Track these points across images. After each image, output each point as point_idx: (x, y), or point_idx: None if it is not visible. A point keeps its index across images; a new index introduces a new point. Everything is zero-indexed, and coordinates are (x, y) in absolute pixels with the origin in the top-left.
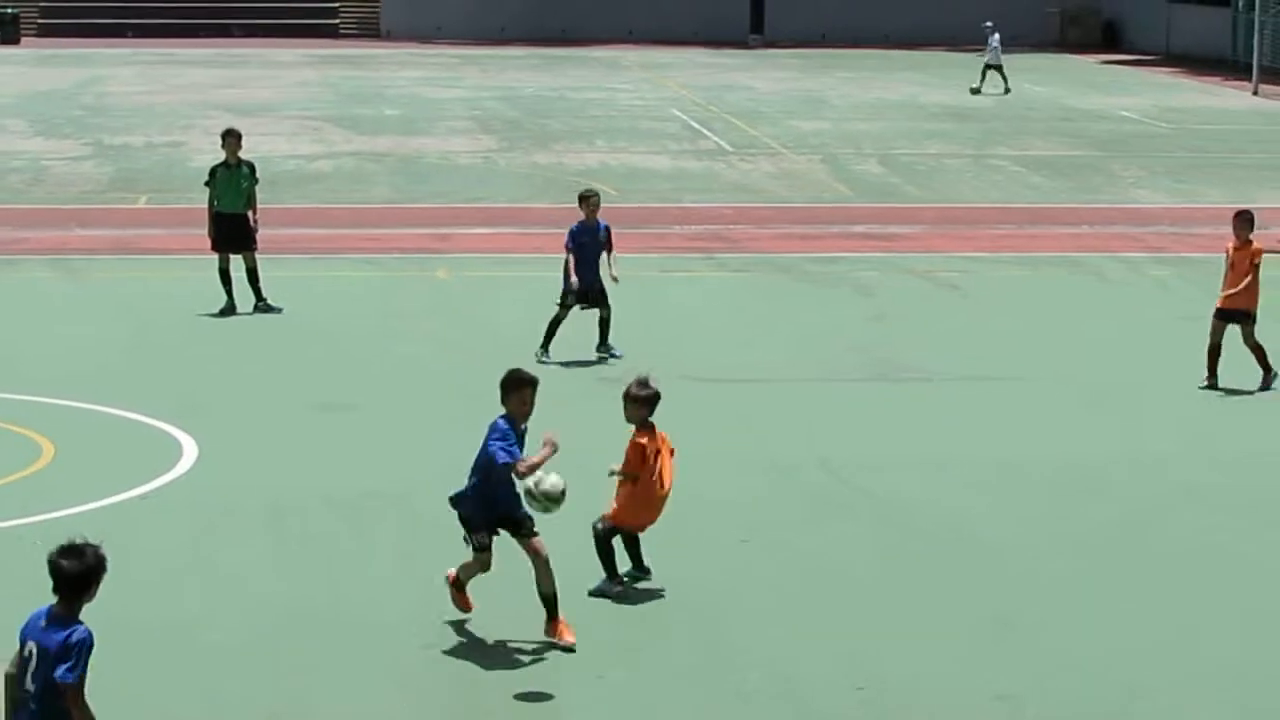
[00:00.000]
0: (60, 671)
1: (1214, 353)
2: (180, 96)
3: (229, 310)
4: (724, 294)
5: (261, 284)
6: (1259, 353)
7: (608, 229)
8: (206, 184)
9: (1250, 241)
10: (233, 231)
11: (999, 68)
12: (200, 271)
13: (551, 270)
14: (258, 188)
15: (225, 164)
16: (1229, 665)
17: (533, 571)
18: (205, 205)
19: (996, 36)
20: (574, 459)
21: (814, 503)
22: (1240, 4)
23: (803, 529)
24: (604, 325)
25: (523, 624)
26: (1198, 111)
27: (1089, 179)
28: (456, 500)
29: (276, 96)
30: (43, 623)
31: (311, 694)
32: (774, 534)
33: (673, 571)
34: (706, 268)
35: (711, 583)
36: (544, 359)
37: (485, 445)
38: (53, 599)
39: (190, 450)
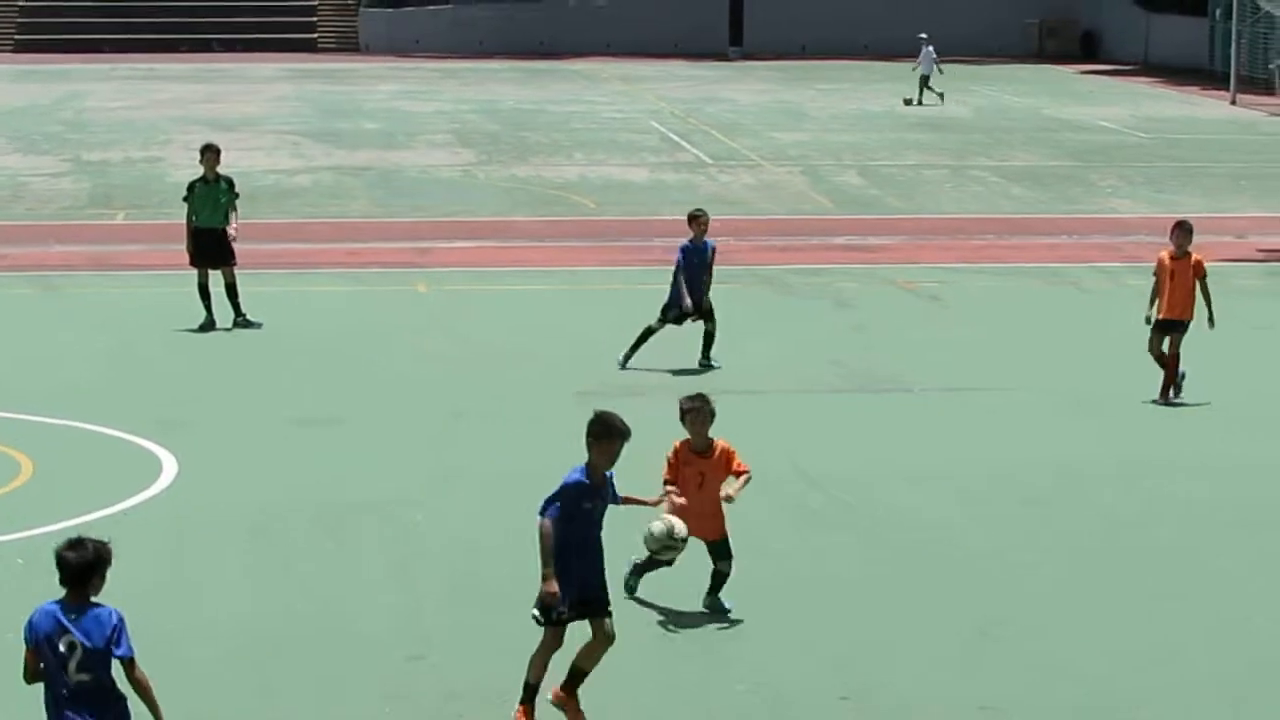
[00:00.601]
0: (121, 649)
1: (1161, 358)
2: (159, 112)
3: (208, 326)
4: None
5: (240, 299)
6: (1176, 365)
7: (714, 249)
8: (185, 199)
9: (1189, 253)
10: (211, 246)
11: (928, 79)
12: (179, 287)
13: (532, 282)
14: (237, 202)
15: (203, 179)
16: (1212, 676)
17: (588, 644)
18: (184, 220)
19: (931, 48)
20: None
21: (797, 514)
22: (1217, 14)
23: (786, 540)
24: (709, 338)
25: (508, 635)
26: (1175, 121)
27: (1067, 189)
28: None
29: (256, 111)
30: (68, 617)
31: (297, 708)
32: (758, 545)
33: (657, 582)
34: None
35: (697, 594)
36: (626, 365)
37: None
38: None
39: (170, 466)
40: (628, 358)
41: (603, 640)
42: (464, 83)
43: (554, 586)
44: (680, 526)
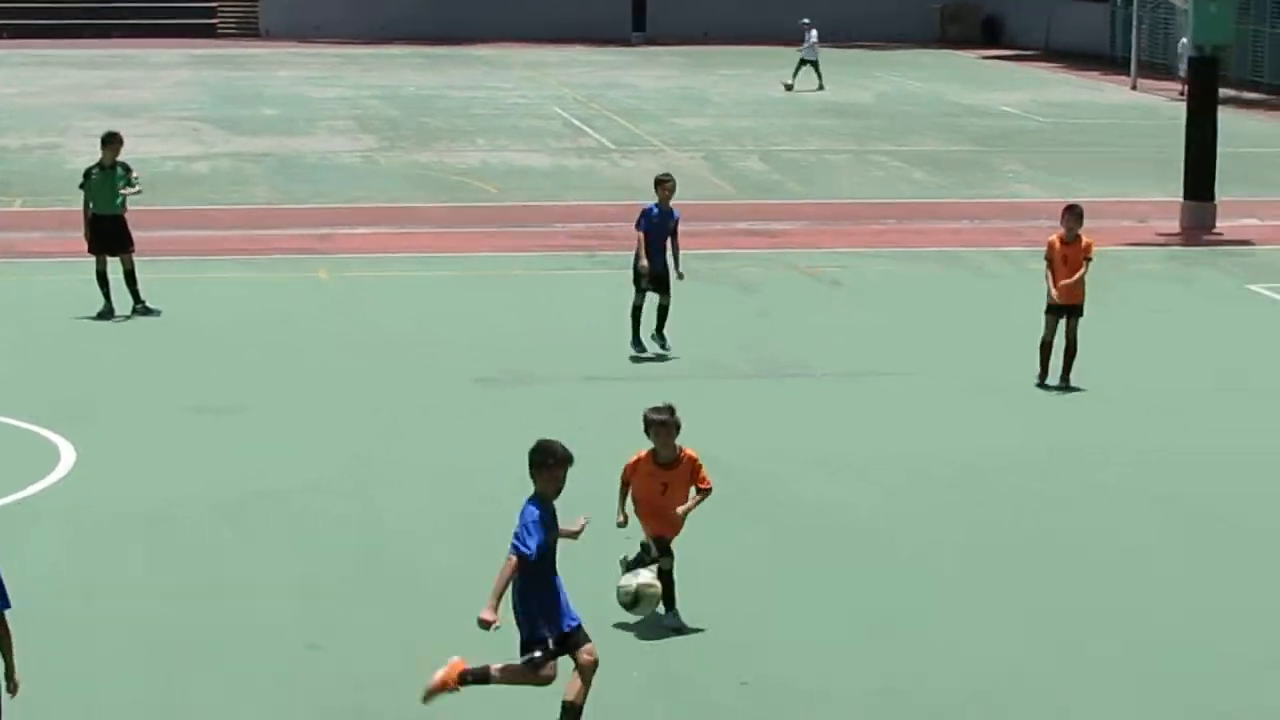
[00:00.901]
0: None
1: (1047, 350)
2: (57, 98)
3: (107, 313)
4: (607, 292)
5: (139, 286)
6: (1075, 350)
7: (678, 219)
8: (81, 186)
9: (1080, 236)
10: (109, 234)
11: (815, 63)
12: (78, 274)
13: (433, 269)
14: (137, 181)
15: (100, 165)
16: (1111, 661)
17: (576, 677)
18: (81, 208)
19: (814, 33)
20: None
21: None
22: (1119, 0)
23: (690, 524)
24: (662, 313)
25: (409, 624)
26: (1077, 106)
27: (969, 174)
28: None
29: (154, 97)
30: None
31: (195, 697)
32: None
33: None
34: (589, 266)
35: (598, 581)
36: (640, 353)
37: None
38: None
39: (68, 455)
40: (636, 343)
41: (590, 668)
42: (365, 68)
43: (491, 615)
44: (642, 582)
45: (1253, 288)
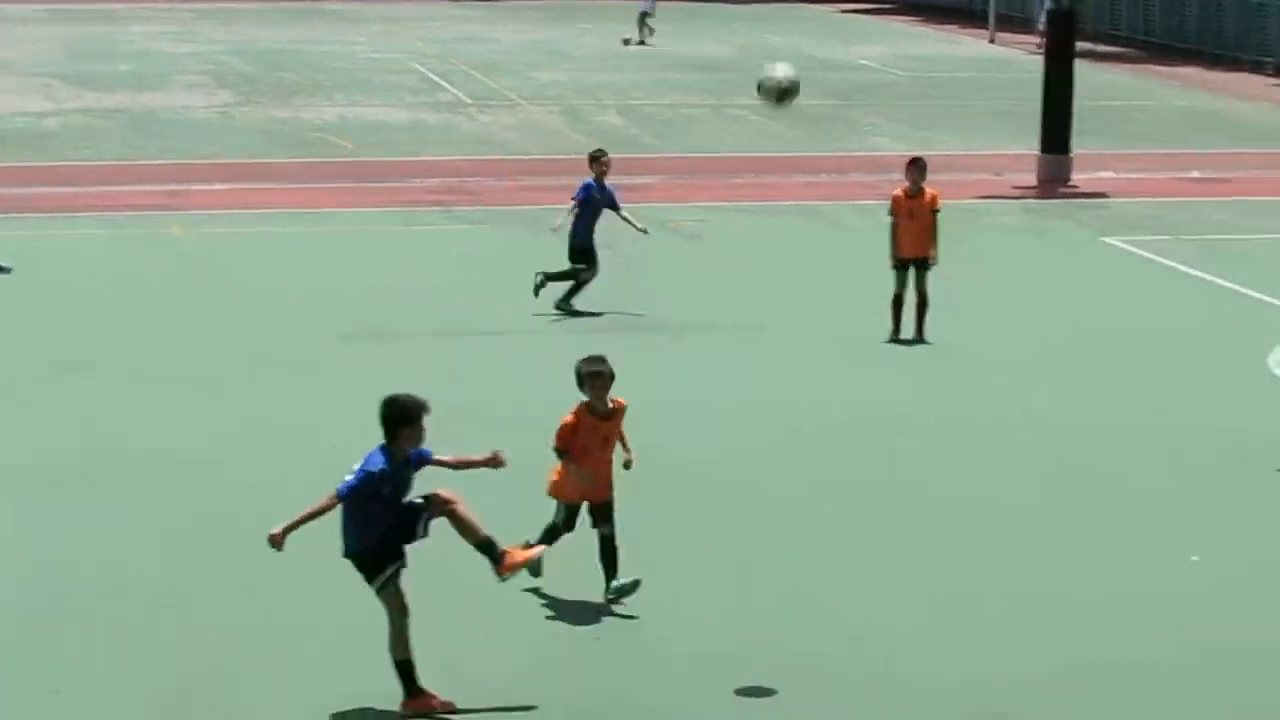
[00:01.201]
0: None
1: (899, 304)
2: None
3: None
4: (464, 247)
5: None
6: (927, 303)
7: (614, 193)
8: None
9: (924, 189)
10: None
11: (645, 16)
12: None
13: (289, 225)
14: None
15: None
16: (992, 619)
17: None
18: None
19: None
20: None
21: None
22: None
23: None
24: (569, 277)
25: (264, 583)
26: (935, 60)
27: (828, 128)
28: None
29: (8, 54)
30: None
31: (50, 658)
32: (512, 491)
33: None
34: (445, 221)
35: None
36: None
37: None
38: None
39: None
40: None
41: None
42: (221, 23)
43: (279, 533)
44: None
45: (1107, 240)
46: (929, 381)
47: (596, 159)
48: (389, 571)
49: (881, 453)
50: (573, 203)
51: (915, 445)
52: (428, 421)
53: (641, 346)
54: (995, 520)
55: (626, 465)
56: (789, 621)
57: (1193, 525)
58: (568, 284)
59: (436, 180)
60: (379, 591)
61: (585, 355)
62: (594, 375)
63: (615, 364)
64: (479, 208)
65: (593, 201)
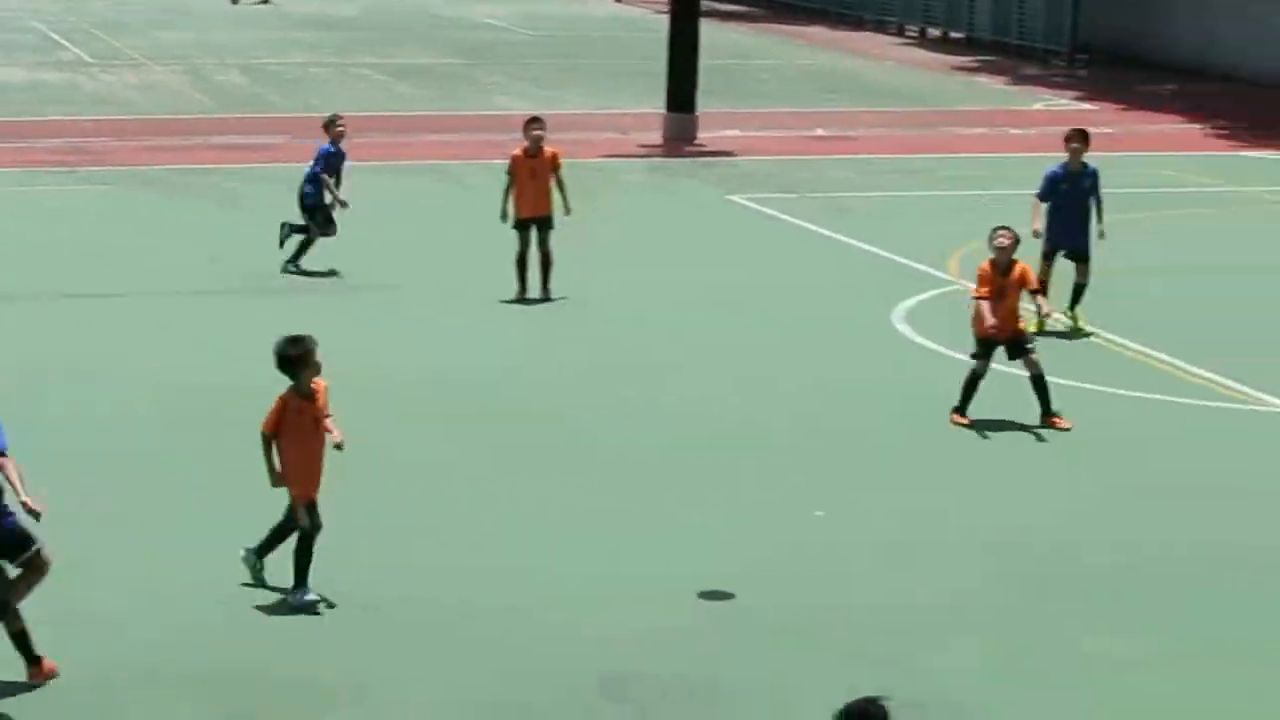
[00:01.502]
0: None
1: (523, 264)
2: None
3: None
4: (88, 208)
5: None
6: (550, 261)
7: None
8: None
9: (544, 149)
10: None
11: None
12: None
13: None
14: None
15: None
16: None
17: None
18: None
19: None
20: None
21: (193, 423)
22: None
23: (180, 442)
24: (302, 243)
25: None
26: (562, 19)
27: (454, 87)
28: None
29: None
30: None
31: None
32: (139, 450)
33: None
34: (69, 182)
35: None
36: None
37: None
38: None
39: None
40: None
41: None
42: None
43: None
44: None
45: (732, 198)
46: (556, 339)
47: (332, 124)
48: None
49: (515, 409)
50: (325, 176)
51: (548, 401)
52: None
53: (278, 307)
54: (641, 473)
55: (339, 447)
56: (459, 580)
57: (820, 481)
58: (298, 245)
59: (59, 140)
60: None
61: (287, 336)
62: (299, 357)
63: (253, 330)
64: (103, 168)
65: (332, 164)
